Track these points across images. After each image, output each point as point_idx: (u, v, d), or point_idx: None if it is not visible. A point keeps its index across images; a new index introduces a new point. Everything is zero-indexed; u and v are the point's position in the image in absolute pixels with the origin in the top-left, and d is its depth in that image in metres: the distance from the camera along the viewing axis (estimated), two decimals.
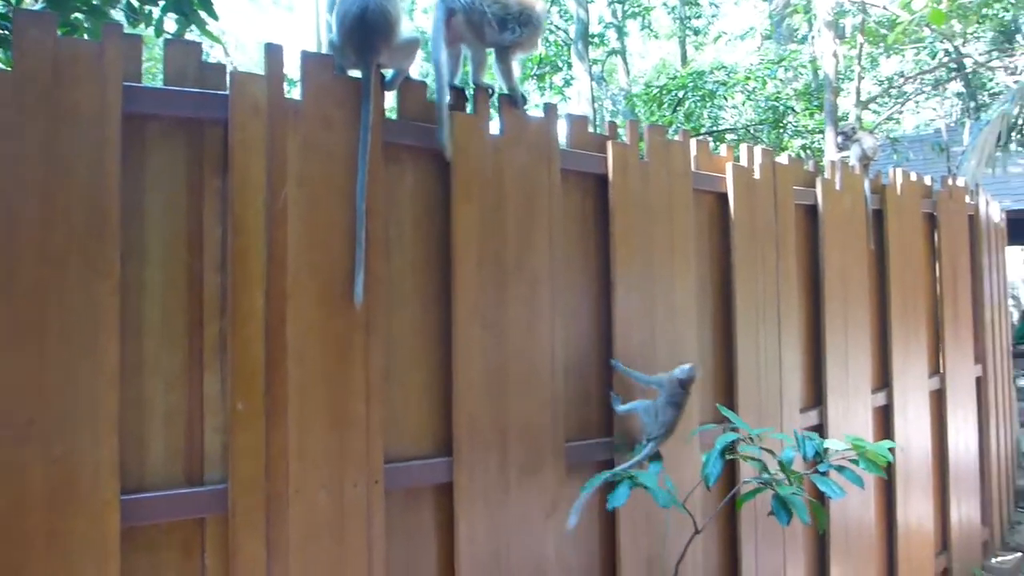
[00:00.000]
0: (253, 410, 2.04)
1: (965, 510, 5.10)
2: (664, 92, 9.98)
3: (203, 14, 3.88)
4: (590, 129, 3.00)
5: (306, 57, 2.18)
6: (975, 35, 10.04)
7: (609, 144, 2.82)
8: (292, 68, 2.23)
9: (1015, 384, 9.15)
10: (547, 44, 13.60)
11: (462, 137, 2.42)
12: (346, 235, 2.19)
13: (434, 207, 2.43)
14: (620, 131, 3.01)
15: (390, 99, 2.45)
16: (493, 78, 2.76)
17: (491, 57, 2.73)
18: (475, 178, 2.45)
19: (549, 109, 2.69)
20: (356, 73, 2.27)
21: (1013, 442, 7.27)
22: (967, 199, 5.52)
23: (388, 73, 2.38)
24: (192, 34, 4.24)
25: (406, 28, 2.39)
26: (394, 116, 2.40)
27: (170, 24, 4.01)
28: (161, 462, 1.98)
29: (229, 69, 2.12)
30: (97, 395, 1.85)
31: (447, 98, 2.42)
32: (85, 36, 3.71)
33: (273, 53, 2.13)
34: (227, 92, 2.06)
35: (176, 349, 2.01)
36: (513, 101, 2.62)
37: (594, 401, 2.79)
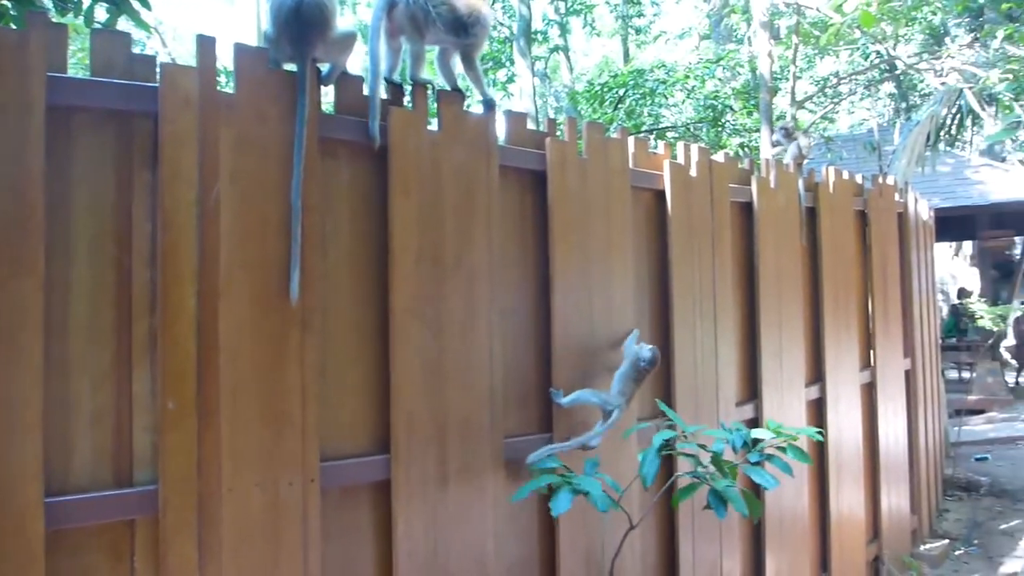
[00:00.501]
0: (184, 409, 2.00)
1: (895, 499, 5.25)
2: (606, 90, 10.07)
3: (136, 3, 3.78)
4: (532, 126, 3.01)
5: (240, 50, 2.14)
6: (905, 38, 10.34)
7: (548, 141, 2.84)
8: (229, 61, 2.19)
9: (943, 376, 9.48)
10: (490, 40, 13.59)
11: (400, 132, 2.41)
12: (281, 231, 2.16)
13: (371, 203, 2.41)
14: (560, 128, 3.02)
15: (327, 93, 2.42)
16: (434, 74, 2.74)
17: (431, 54, 2.72)
18: (413, 173, 2.44)
19: (487, 105, 2.69)
20: (292, 67, 2.24)
21: (941, 433, 7.52)
22: (897, 197, 5.68)
23: (324, 67, 2.35)
24: (126, 23, 4.12)
25: (343, 22, 2.37)
26: (331, 111, 2.38)
27: (101, 13, 3.89)
28: (88, 463, 1.93)
29: (164, 60, 2.07)
30: (20, 395, 1.80)
31: (380, 89, 2.41)
32: (12, 25, 3.59)
33: (205, 45, 2.08)
34: (157, 84, 2.01)
35: (104, 347, 1.96)
36: (459, 93, 2.64)
37: (533, 396, 2.80)
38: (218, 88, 2.09)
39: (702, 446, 2.60)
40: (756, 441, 2.62)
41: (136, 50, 2.10)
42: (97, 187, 1.97)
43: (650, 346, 2.85)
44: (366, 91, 2.42)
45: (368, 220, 2.40)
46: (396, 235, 2.39)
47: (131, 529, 1.97)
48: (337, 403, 2.32)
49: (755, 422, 3.78)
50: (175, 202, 1.99)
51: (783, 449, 2.48)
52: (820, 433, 4.06)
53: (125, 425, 1.98)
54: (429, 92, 2.56)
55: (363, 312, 2.38)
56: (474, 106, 2.72)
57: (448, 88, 2.66)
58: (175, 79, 2.01)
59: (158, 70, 2.02)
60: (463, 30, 2.58)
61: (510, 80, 13.87)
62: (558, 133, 2.97)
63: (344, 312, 2.35)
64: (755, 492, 2.60)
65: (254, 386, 2.11)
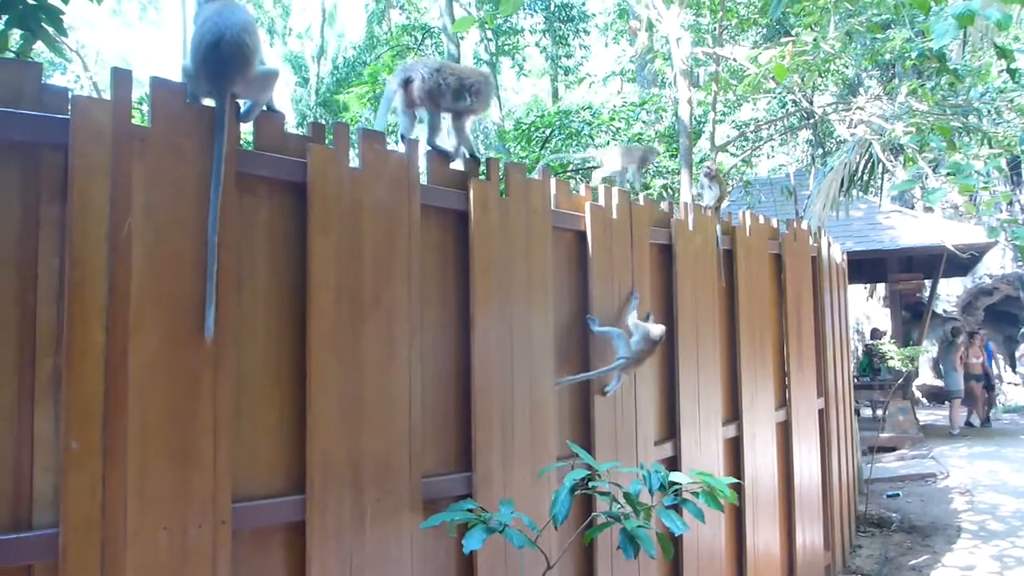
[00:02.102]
0: (89, 449, 1.94)
1: (809, 535, 5.38)
2: (533, 129, 10.23)
3: (51, 29, 3.70)
4: (457, 165, 3.04)
5: (156, 83, 2.12)
6: (821, 88, 10.81)
7: (471, 181, 2.87)
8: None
9: (856, 414, 9.78)
10: None
11: (320, 169, 2.41)
12: (196, 268, 2.13)
13: (290, 240, 2.40)
14: (483, 168, 3.06)
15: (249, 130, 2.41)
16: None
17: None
18: (333, 211, 2.44)
19: (409, 144, 2.71)
20: (211, 102, 2.22)
21: (854, 469, 7.75)
22: (811, 241, 5.90)
23: (245, 104, 2.34)
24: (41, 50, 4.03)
25: (264, 60, 2.37)
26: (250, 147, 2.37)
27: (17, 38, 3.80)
28: None
29: (86, 84, 2.03)
30: None
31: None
32: None
33: (121, 78, 2.05)
34: (68, 116, 1.97)
35: (4, 385, 1.89)
36: (475, 160, 3.04)
37: (452, 435, 2.80)
38: (133, 121, 2.06)
39: (617, 485, 2.62)
40: (673, 484, 2.65)
41: (57, 74, 2.06)
42: (0, 220, 1.91)
43: (660, 327, 3.48)
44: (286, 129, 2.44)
45: (287, 257, 2.39)
46: (315, 272, 2.38)
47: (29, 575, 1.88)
48: (251, 442, 2.27)
49: (673, 461, 3.84)
50: (84, 237, 1.95)
51: (697, 494, 2.52)
52: (736, 471, 4.16)
53: (25, 465, 1.90)
54: (352, 131, 2.57)
55: (280, 350, 2.36)
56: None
57: (450, 153, 2.99)
58: (87, 111, 1.98)
59: (70, 102, 1.98)
60: (466, 96, 3.01)
61: None
62: (480, 173, 3.00)
63: (260, 350, 2.32)
64: (669, 532, 2.63)
65: (164, 425, 2.06)
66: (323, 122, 2.54)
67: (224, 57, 2.16)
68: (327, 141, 2.50)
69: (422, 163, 2.78)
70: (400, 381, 2.57)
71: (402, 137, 2.88)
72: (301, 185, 2.39)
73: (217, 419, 2.14)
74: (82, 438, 1.92)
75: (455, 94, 2.99)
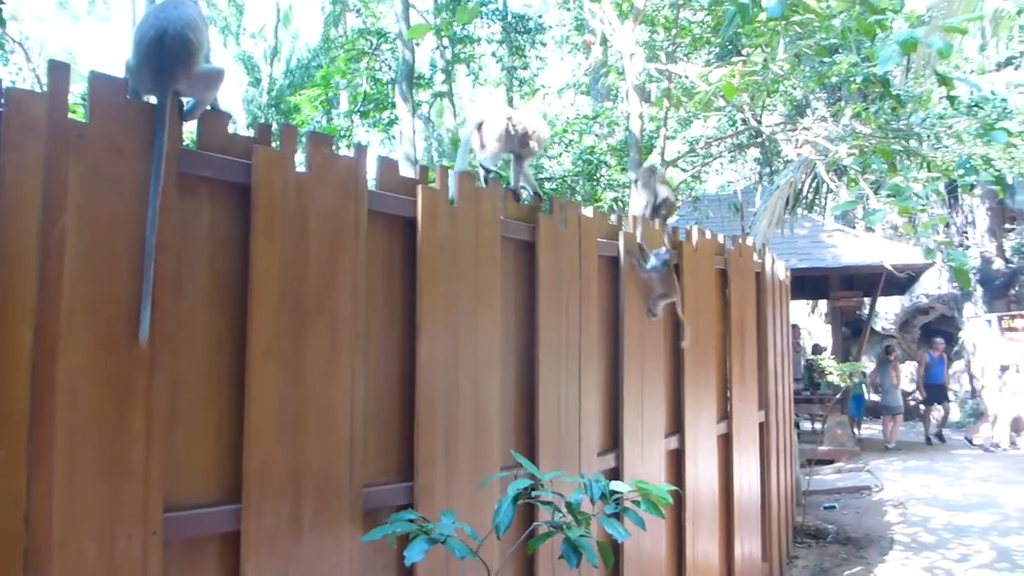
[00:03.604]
0: (13, 456, 1.86)
1: (748, 546, 5.45)
2: None
3: None
4: (410, 169, 3.01)
5: (95, 78, 2.06)
6: (769, 108, 11.01)
7: (419, 188, 2.85)
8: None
9: (796, 428, 9.96)
10: (372, 82, 13.62)
11: (265, 172, 2.36)
12: (132, 269, 2.07)
13: (232, 243, 2.35)
14: (432, 175, 3.04)
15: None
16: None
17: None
18: (278, 214, 2.39)
19: (358, 149, 2.68)
20: (153, 99, 2.17)
21: (792, 481, 7.89)
22: (756, 257, 5.99)
23: (188, 102, 2.29)
24: None
25: (210, 58, 2.32)
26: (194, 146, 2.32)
27: None
28: None
29: (27, 79, 1.97)
30: None
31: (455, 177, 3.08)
32: None
33: (58, 71, 1.99)
34: (0, 109, 1.90)
35: None
36: (516, 195, 3.41)
37: (395, 444, 2.76)
38: (71, 117, 2.00)
39: (560, 495, 2.62)
40: (614, 492, 2.66)
41: None
42: None
43: (663, 249, 4.15)
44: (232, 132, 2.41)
45: (228, 261, 2.34)
46: (257, 277, 2.33)
47: None
48: (186, 450, 2.22)
49: (616, 471, 3.85)
50: (14, 236, 1.88)
51: (638, 503, 2.53)
52: (678, 482, 4.19)
53: None
54: (300, 134, 2.54)
55: (219, 356, 2.30)
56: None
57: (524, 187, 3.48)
58: (21, 105, 1.91)
59: (2, 95, 1.91)
60: (528, 142, 3.51)
61: (391, 123, 13.88)
62: (430, 180, 2.98)
63: (199, 355, 2.26)
64: (611, 541, 2.64)
65: (94, 432, 1.99)
66: (269, 124, 2.49)
67: (167, 53, 2.11)
68: (274, 143, 2.46)
69: (371, 169, 2.75)
70: (343, 390, 2.53)
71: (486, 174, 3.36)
72: (245, 187, 2.35)
73: (150, 426, 2.08)
74: (6, 445, 1.85)
75: (520, 140, 3.47)
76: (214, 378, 2.29)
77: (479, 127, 3.47)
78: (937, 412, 14.78)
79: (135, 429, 2.05)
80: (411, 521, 2.47)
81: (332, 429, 2.49)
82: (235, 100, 22.68)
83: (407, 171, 2.97)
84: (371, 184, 2.73)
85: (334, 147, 2.63)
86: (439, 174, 2.98)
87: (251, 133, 2.45)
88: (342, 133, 13.04)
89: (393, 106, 12.87)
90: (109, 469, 2.01)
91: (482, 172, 3.35)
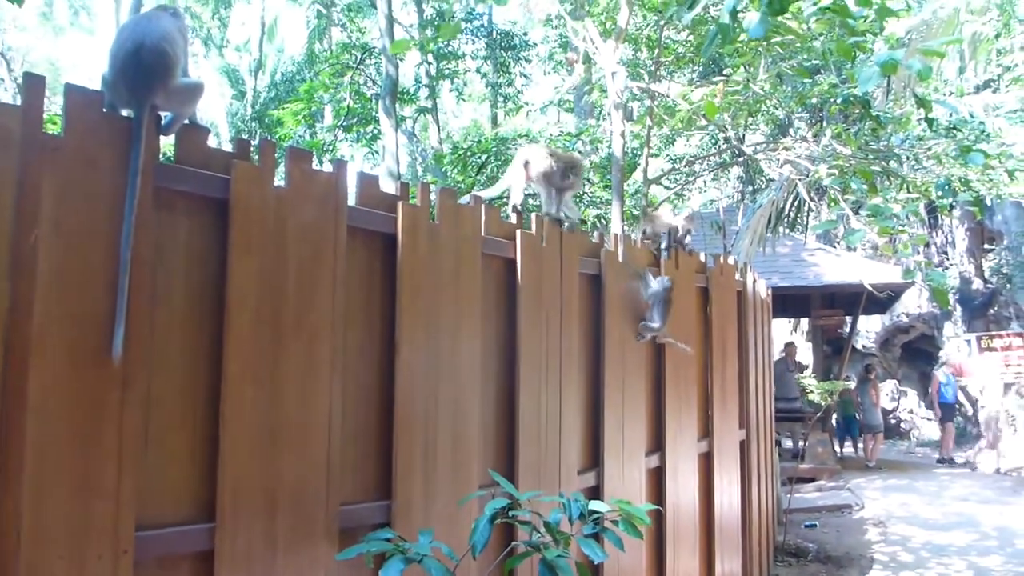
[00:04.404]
0: None
1: (728, 565, 5.44)
2: (469, 154, 10.23)
3: None
4: (392, 184, 3.01)
5: (71, 91, 2.04)
6: (752, 127, 11.11)
7: (400, 204, 2.84)
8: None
9: (778, 445, 9.97)
10: (356, 97, 13.62)
11: (243, 187, 2.34)
12: (107, 284, 2.04)
13: (210, 258, 2.32)
14: (413, 192, 3.03)
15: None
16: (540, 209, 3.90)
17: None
18: (256, 230, 2.37)
19: (338, 165, 2.67)
20: (130, 113, 2.15)
21: (773, 500, 7.89)
22: (737, 276, 6.02)
23: (166, 116, 2.27)
24: None
25: (188, 71, 2.31)
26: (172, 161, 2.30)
27: None
28: None
29: (8, 90, 1.94)
30: None
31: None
32: None
33: (32, 84, 1.97)
34: None
35: None
36: (559, 223, 3.74)
37: (373, 462, 2.74)
38: (45, 130, 1.97)
39: (538, 514, 2.60)
40: (593, 512, 2.64)
41: None
42: None
43: (665, 278, 4.31)
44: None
45: (205, 276, 2.31)
46: (234, 293, 2.31)
47: None
48: (160, 468, 2.18)
49: (596, 490, 3.83)
50: None
51: (617, 523, 2.51)
52: (659, 501, 4.18)
53: None
54: (280, 149, 2.52)
55: (194, 373, 2.27)
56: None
57: (562, 220, 3.77)
58: None
59: None
60: (568, 176, 3.87)
61: (375, 138, 13.88)
62: (411, 197, 2.97)
63: (174, 372, 2.23)
64: (589, 562, 2.62)
65: (65, 449, 1.96)
66: (248, 138, 2.48)
67: (145, 65, 2.09)
68: (253, 158, 2.45)
69: (352, 185, 2.74)
70: (320, 407, 2.50)
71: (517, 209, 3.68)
72: (223, 202, 2.33)
73: (123, 444, 2.05)
74: None
75: (561, 175, 3.83)
76: (189, 395, 2.26)
77: (525, 165, 3.84)
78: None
79: (107, 446, 2.02)
80: (388, 540, 2.44)
81: (309, 446, 2.46)
82: (219, 113, 22.57)
83: (390, 186, 2.96)
84: (352, 200, 2.71)
85: (315, 162, 2.61)
86: (420, 191, 2.97)
87: (231, 147, 2.44)
88: (325, 148, 13.01)
89: (377, 121, 12.87)
90: (80, 487, 1.97)
91: (545, 217, 3.74)
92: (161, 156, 2.28)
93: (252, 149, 2.47)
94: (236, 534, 2.27)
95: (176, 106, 2.23)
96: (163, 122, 2.25)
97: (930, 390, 14.48)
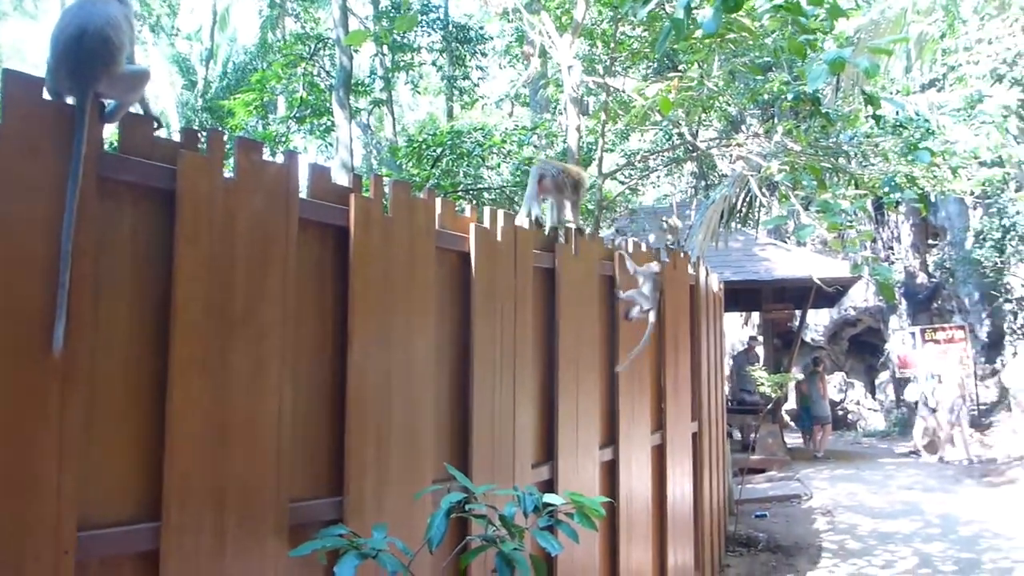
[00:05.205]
0: None
1: (680, 556, 5.50)
2: (424, 147, 10.17)
3: None
4: (345, 177, 2.97)
5: (10, 77, 1.97)
6: (705, 124, 11.21)
7: (352, 197, 2.80)
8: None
9: (729, 437, 10.12)
10: (310, 88, 13.43)
11: (190, 177, 2.29)
12: (47, 275, 1.98)
13: (156, 250, 2.27)
14: (366, 184, 2.99)
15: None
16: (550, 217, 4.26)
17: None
18: (203, 221, 2.32)
19: (289, 156, 2.62)
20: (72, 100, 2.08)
21: (725, 491, 8.00)
22: (690, 270, 6.07)
23: (110, 104, 2.20)
24: None
25: (134, 58, 2.24)
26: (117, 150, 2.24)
27: None
28: None
29: None
30: None
31: (525, 224, 3.84)
32: None
33: None
34: None
35: None
36: (580, 231, 4.28)
37: (324, 458, 2.70)
38: None
39: (494, 508, 2.59)
40: (547, 505, 2.65)
41: None
42: None
43: (656, 264, 4.67)
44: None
45: (151, 268, 2.26)
46: (181, 285, 2.26)
47: None
48: (103, 465, 2.13)
49: (550, 483, 3.84)
50: None
51: (571, 515, 2.52)
52: (612, 494, 4.21)
53: None
54: (228, 139, 2.48)
55: (140, 366, 2.22)
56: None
57: (573, 227, 4.24)
58: None
59: None
60: (577, 189, 4.35)
61: (328, 130, 13.71)
62: (364, 189, 2.94)
63: (118, 366, 2.18)
64: (544, 554, 2.63)
65: (1, 446, 1.90)
66: (195, 128, 2.43)
67: (87, 52, 2.03)
68: (201, 148, 2.39)
69: (304, 177, 2.69)
70: (270, 402, 2.46)
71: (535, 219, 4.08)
72: (170, 193, 2.27)
73: (63, 438, 1.99)
74: None
75: (572, 187, 4.26)
76: (134, 389, 2.20)
77: (540, 180, 4.22)
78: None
79: (47, 443, 1.96)
80: (341, 536, 2.42)
81: (258, 442, 2.42)
82: (169, 103, 22.10)
83: (343, 179, 2.91)
84: (304, 192, 2.67)
85: (266, 153, 2.57)
86: (373, 183, 2.94)
87: (179, 137, 2.38)
88: (278, 139, 12.81)
89: (331, 113, 12.71)
90: (17, 486, 1.91)
91: (567, 229, 4.16)
92: (107, 145, 2.23)
93: (200, 139, 2.42)
94: (183, 533, 2.22)
95: (120, 93, 2.17)
96: (108, 109, 2.19)
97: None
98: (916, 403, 14.30)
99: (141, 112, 2.34)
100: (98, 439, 2.11)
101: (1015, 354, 15.59)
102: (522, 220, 3.90)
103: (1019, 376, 14.20)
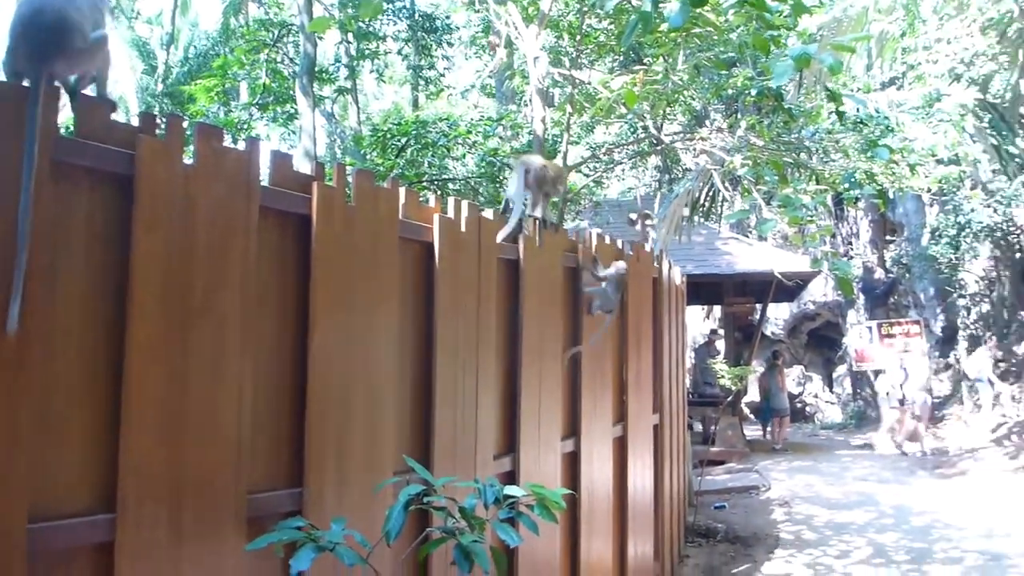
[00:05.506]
0: None
1: (641, 547, 5.55)
2: (389, 137, 10.10)
3: None
4: (308, 166, 2.93)
5: None
6: (669, 118, 11.28)
7: (315, 185, 2.77)
8: None
9: (689, 429, 10.22)
10: (273, 75, 13.25)
11: (149, 163, 2.24)
12: (3, 259, 1.93)
13: (113, 235, 2.22)
14: (329, 173, 2.96)
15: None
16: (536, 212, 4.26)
17: None
18: (162, 207, 2.28)
19: (250, 143, 2.59)
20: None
21: (685, 482, 8.09)
22: (653, 263, 6.11)
23: (71, 81, 2.15)
24: None
25: (92, 37, 2.18)
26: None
27: None
28: None
29: None
30: None
31: (516, 222, 3.93)
32: None
33: None
34: None
35: None
36: (550, 225, 4.38)
37: (285, 449, 2.67)
38: None
39: (454, 500, 2.59)
40: (508, 497, 2.65)
41: None
42: None
43: (623, 263, 4.68)
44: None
45: (108, 253, 2.21)
46: (138, 272, 2.21)
47: None
48: (56, 455, 2.08)
49: (512, 475, 3.85)
50: None
51: (532, 507, 2.52)
52: (574, 485, 4.23)
53: None
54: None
55: (95, 353, 2.17)
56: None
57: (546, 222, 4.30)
58: None
59: None
60: (556, 185, 4.47)
61: (292, 117, 13.56)
62: (327, 177, 2.90)
63: (73, 354, 2.13)
64: (505, 546, 2.64)
65: None
66: (154, 112, 2.38)
67: (43, 32, 1.98)
68: (160, 133, 2.35)
69: (265, 164, 2.66)
70: (229, 392, 2.43)
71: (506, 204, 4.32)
72: (128, 178, 2.22)
73: (16, 429, 1.94)
74: None
75: (552, 182, 4.36)
76: (89, 378, 2.16)
77: (525, 174, 4.23)
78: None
79: None
80: (299, 528, 2.40)
81: (217, 433, 2.39)
82: (129, 88, 21.68)
83: (306, 167, 2.88)
84: (265, 180, 2.64)
85: (227, 140, 2.53)
86: (336, 172, 2.90)
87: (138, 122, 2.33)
88: (240, 126, 12.63)
89: (294, 100, 12.57)
90: None
91: (536, 221, 4.17)
92: (64, 130, 2.17)
93: (159, 124, 2.37)
94: (139, 524, 2.19)
95: (80, 71, 2.11)
96: (71, 87, 2.14)
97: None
98: (887, 395, 14.47)
99: (95, 95, 2.29)
100: (53, 428, 2.06)
101: (968, 349, 15.96)
102: (514, 221, 3.94)
103: (980, 367, 14.52)
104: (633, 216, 5.82)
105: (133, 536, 2.17)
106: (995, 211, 14.53)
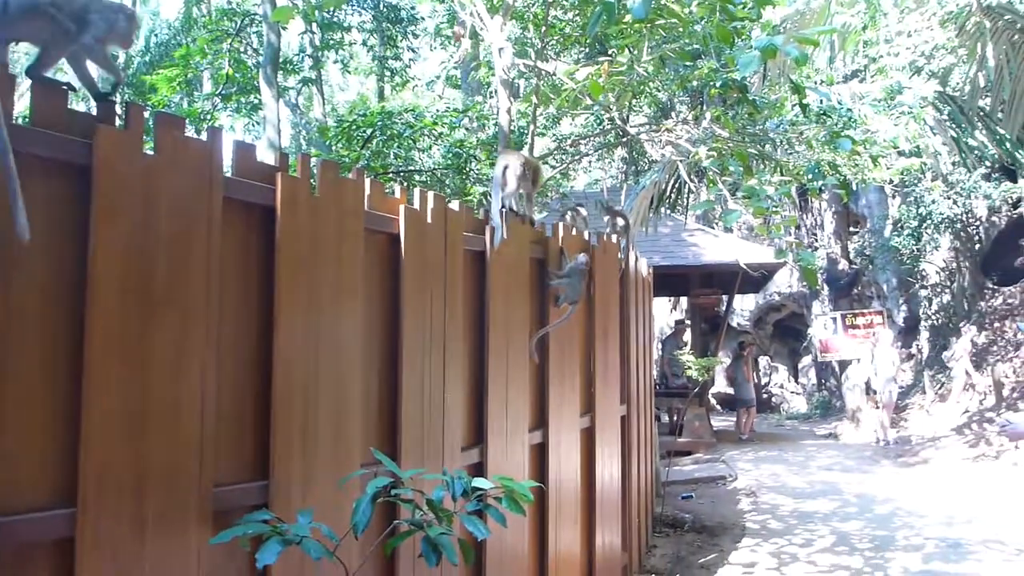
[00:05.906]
0: None
1: (608, 537, 5.58)
2: (354, 128, 10.03)
3: None
4: (271, 159, 2.90)
5: None
6: (635, 110, 11.35)
7: (279, 176, 2.74)
8: None
9: (657, 420, 10.30)
10: (236, 65, 13.09)
11: (108, 152, 2.20)
12: None
13: (72, 227, 2.18)
14: (293, 164, 2.93)
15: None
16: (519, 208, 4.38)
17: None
18: (122, 198, 2.24)
19: (212, 133, 2.55)
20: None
21: (652, 473, 8.14)
22: (620, 254, 6.14)
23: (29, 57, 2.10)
24: None
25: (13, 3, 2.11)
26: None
27: None
28: None
29: None
30: None
31: (499, 214, 4.08)
32: None
33: None
34: None
35: None
36: (527, 219, 4.46)
37: (250, 442, 2.65)
38: None
39: (421, 492, 2.58)
40: (476, 489, 2.65)
41: None
42: None
43: (583, 256, 4.70)
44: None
45: (66, 246, 2.17)
46: (98, 264, 2.17)
47: None
48: (15, 450, 2.04)
49: (480, 467, 3.85)
50: None
51: (499, 499, 2.53)
52: (542, 476, 4.24)
53: None
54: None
55: (55, 347, 2.13)
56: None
57: (519, 213, 4.35)
58: None
59: None
60: (536, 181, 4.52)
61: (256, 108, 13.40)
62: (291, 168, 2.88)
63: (30, 347, 2.09)
64: (473, 538, 2.64)
65: None
66: (113, 101, 2.33)
67: None
68: (118, 123, 2.30)
69: (228, 155, 2.62)
70: (192, 384, 2.40)
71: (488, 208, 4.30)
72: (86, 168, 2.18)
73: None
74: None
75: (532, 177, 4.44)
76: (48, 372, 2.12)
77: (505, 169, 4.28)
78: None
79: None
80: (265, 521, 2.38)
81: (180, 426, 2.36)
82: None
83: (270, 158, 2.85)
84: (228, 170, 2.60)
85: (189, 130, 2.49)
86: (300, 162, 2.88)
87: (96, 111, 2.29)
88: (204, 116, 12.47)
89: (258, 91, 12.44)
90: None
91: (503, 211, 4.15)
92: (19, 119, 2.13)
93: (119, 113, 2.33)
94: (100, 519, 2.15)
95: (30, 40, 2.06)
96: (28, 64, 2.09)
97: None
98: (866, 385, 14.59)
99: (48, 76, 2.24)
100: (11, 423, 2.02)
101: (930, 340, 16.22)
102: (495, 215, 4.05)
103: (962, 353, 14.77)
104: (606, 219, 5.85)
105: (94, 531, 2.14)
106: (955, 203, 14.81)
